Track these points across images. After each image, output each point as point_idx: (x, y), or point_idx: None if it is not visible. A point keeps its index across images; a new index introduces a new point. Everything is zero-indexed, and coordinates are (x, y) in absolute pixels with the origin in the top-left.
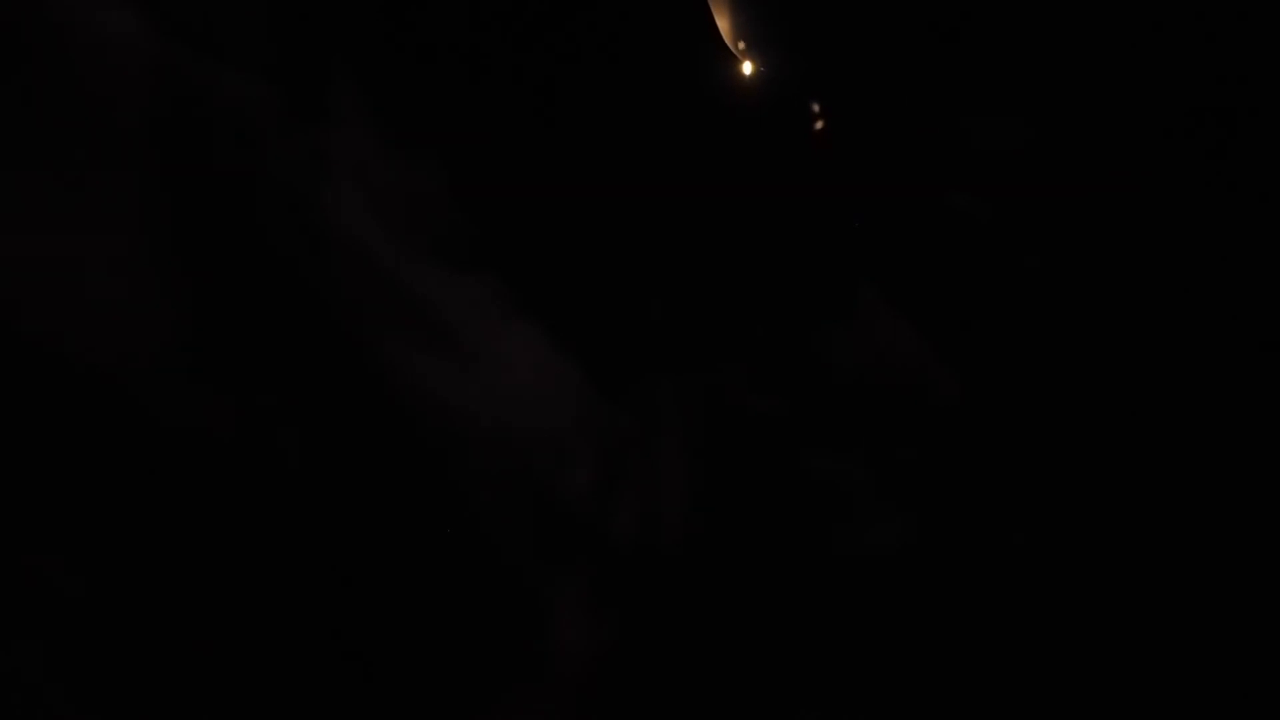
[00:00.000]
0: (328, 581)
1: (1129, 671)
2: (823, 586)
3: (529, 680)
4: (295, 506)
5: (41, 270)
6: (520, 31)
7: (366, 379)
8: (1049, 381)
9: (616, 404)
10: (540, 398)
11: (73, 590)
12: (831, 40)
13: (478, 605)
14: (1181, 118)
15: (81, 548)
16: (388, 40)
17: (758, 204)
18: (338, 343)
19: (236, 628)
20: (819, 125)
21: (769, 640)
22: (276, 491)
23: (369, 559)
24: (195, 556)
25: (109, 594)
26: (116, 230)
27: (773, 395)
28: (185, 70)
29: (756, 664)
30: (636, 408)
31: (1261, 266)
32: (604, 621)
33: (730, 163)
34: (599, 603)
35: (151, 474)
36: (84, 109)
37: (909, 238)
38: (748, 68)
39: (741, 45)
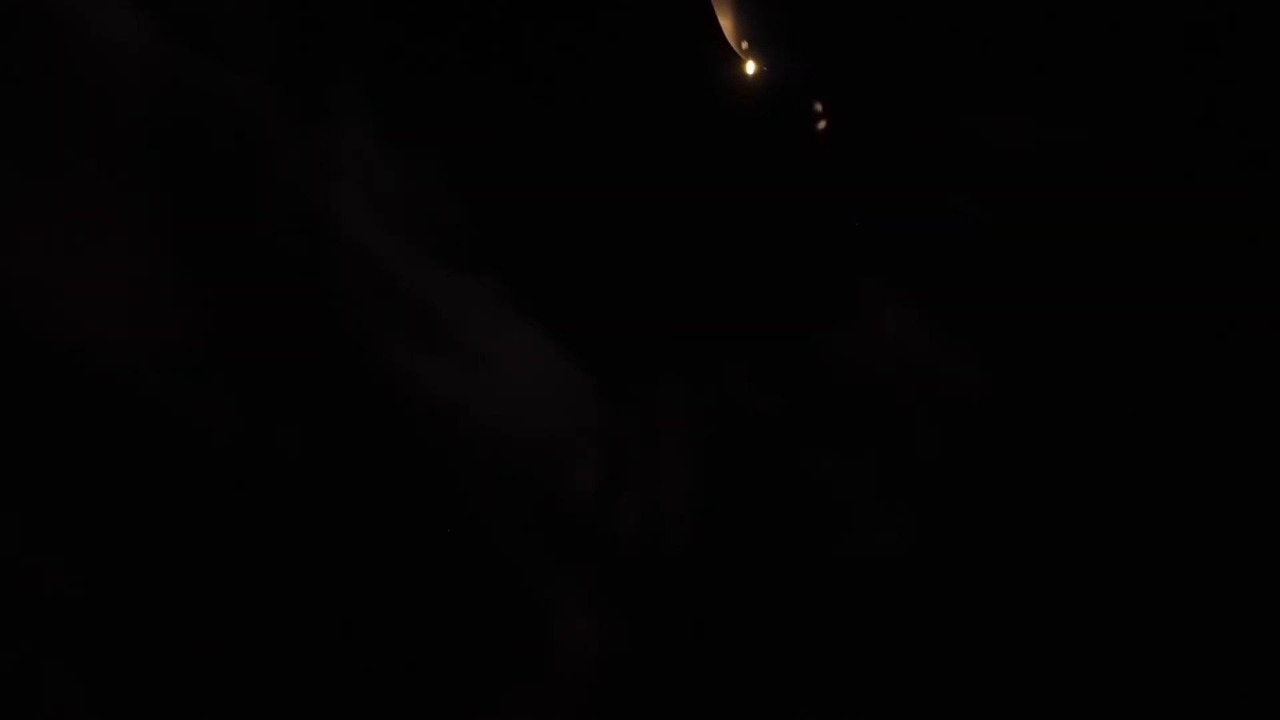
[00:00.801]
0: (328, 581)
1: (1129, 671)
2: (828, 588)
3: (531, 680)
4: (296, 506)
5: (41, 270)
6: (522, 31)
7: (367, 378)
8: (1056, 384)
9: (619, 404)
10: (542, 397)
11: (73, 590)
12: (835, 40)
13: (479, 605)
14: (1192, 118)
15: (82, 547)
16: (389, 40)
17: (761, 204)
18: (339, 342)
19: (237, 627)
20: (822, 125)
21: (773, 641)
22: (277, 491)
23: (369, 559)
24: (195, 556)
25: (109, 594)
26: (116, 230)
27: (777, 396)
28: (186, 70)
29: (760, 664)
30: (639, 408)
31: (1275, 268)
32: (606, 622)
33: (733, 163)
34: (601, 603)
35: (151, 473)
36: (84, 109)
37: (914, 238)
38: (751, 67)
39: (745, 45)
